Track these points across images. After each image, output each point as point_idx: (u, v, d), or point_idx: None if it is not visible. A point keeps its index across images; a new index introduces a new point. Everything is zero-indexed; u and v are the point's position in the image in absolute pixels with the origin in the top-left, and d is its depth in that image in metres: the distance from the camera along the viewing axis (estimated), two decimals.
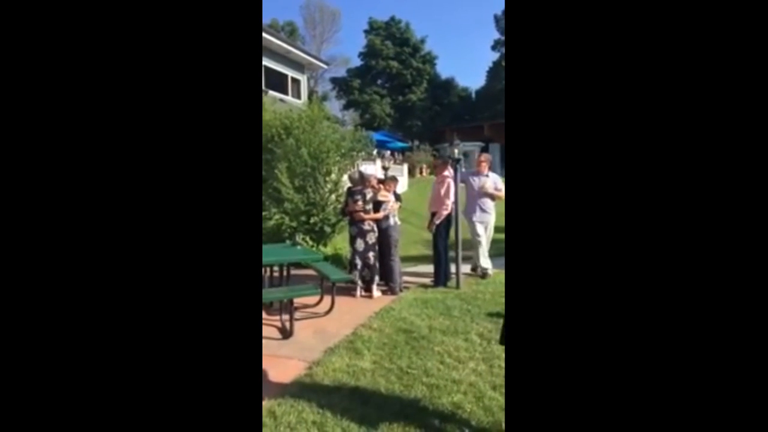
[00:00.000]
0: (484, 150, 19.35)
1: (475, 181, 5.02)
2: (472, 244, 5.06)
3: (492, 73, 28.85)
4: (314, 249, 5.38)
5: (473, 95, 30.85)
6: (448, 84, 30.50)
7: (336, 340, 3.14)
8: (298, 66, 14.28)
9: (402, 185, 10.19)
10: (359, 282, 4.41)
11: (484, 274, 4.99)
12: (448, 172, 4.77)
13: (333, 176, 6.05)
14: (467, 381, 2.47)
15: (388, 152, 16.08)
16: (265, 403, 2.22)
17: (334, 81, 31.33)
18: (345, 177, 5.79)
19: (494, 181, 5.03)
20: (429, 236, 5.05)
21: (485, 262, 5.02)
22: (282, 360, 2.84)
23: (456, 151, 4.70)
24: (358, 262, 4.40)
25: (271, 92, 11.49)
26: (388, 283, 4.53)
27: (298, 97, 13.91)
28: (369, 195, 4.47)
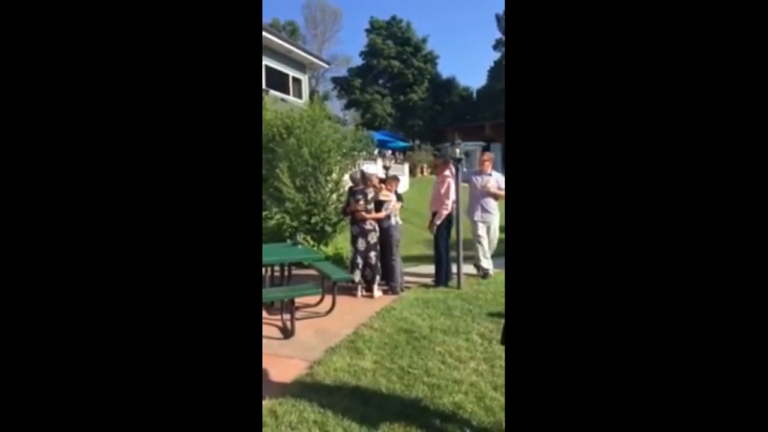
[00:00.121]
0: (486, 149, 19.34)
1: (478, 181, 5.01)
2: (474, 243, 5.06)
3: (493, 72, 28.81)
4: (315, 248, 5.38)
5: (475, 95, 30.83)
6: (450, 83, 30.47)
7: (337, 339, 3.14)
8: (300, 65, 14.28)
9: (403, 185, 10.19)
10: (361, 282, 4.41)
11: (485, 275, 4.98)
12: (449, 171, 4.76)
13: (334, 176, 6.06)
14: (468, 381, 2.47)
15: (389, 152, 16.07)
16: (267, 403, 2.22)
17: (336, 80, 31.34)
18: (346, 176, 5.79)
19: (497, 180, 5.01)
20: (430, 236, 5.05)
21: (486, 262, 5.01)
22: (283, 359, 2.84)
23: (457, 150, 4.70)
24: (360, 261, 4.40)
25: (273, 92, 11.49)
26: (389, 283, 4.53)
27: (300, 96, 13.91)
28: (371, 195, 4.46)
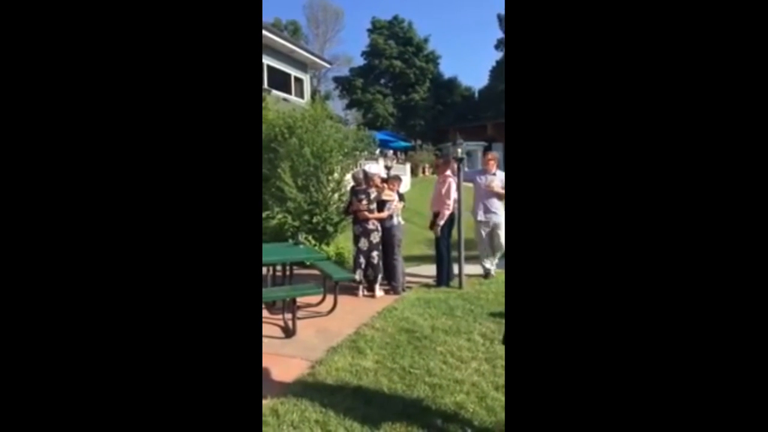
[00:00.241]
0: (488, 149, 19.32)
1: (482, 180, 4.98)
2: (476, 243, 5.06)
3: (495, 72, 28.77)
4: (317, 248, 5.38)
5: (476, 95, 30.81)
6: (451, 83, 30.46)
7: (339, 339, 3.14)
8: (301, 65, 14.29)
9: (405, 185, 10.18)
10: (362, 281, 4.41)
11: (487, 274, 4.98)
12: (450, 171, 4.76)
13: (336, 175, 6.06)
14: (470, 381, 2.47)
15: (391, 152, 16.07)
16: (268, 402, 2.22)
17: (337, 80, 31.35)
18: (348, 176, 5.79)
19: (501, 180, 4.96)
20: (432, 236, 5.05)
21: (487, 262, 5.01)
22: (285, 359, 2.85)
23: (459, 150, 4.69)
24: (362, 261, 4.40)
25: (274, 91, 11.50)
26: (391, 283, 4.53)
27: (301, 96, 13.92)
28: (373, 194, 4.47)
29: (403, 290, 4.49)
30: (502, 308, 3.68)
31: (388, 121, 28.01)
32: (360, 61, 30.41)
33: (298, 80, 14.22)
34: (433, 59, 29.70)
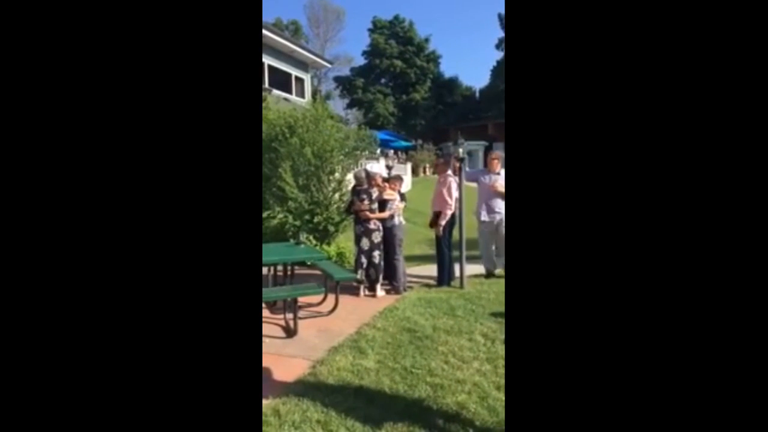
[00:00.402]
0: (488, 149, 19.32)
1: (486, 180, 4.97)
2: (479, 244, 5.05)
3: (496, 72, 28.75)
4: (318, 248, 5.38)
5: (477, 94, 30.80)
6: (452, 83, 30.46)
7: (340, 339, 3.14)
8: (302, 65, 14.29)
9: (406, 184, 10.18)
10: (364, 281, 4.41)
11: (488, 274, 4.98)
12: (451, 171, 4.75)
13: (337, 175, 6.05)
14: (471, 381, 2.46)
15: (392, 151, 16.08)
16: (270, 402, 2.22)
17: (338, 80, 31.36)
18: (349, 176, 5.79)
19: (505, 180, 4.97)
20: (433, 236, 5.04)
21: (488, 262, 5.00)
22: (286, 359, 2.84)
23: (460, 150, 4.69)
24: (364, 261, 4.40)
25: (275, 91, 11.50)
26: (392, 283, 4.53)
27: (302, 96, 13.93)
28: (375, 194, 4.46)
29: (405, 290, 4.48)
30: (503, 308, 3.68)
31: (388, 120, 28.01)
32: (361, 61, 30.47)
33: (299, 80, 14.22)
34: (433, 59, 29.69)
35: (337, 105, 29.99)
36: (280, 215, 5.67)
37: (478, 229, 5.05)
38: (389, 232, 4.51)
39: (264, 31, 10.81)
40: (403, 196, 4.85)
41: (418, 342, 3.06)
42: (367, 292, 4.42)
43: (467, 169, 4.98)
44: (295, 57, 13.65)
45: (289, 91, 13.35)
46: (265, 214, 5.61)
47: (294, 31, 29.85)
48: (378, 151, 11.05)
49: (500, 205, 4.89)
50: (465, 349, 2.92)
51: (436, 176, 5.59)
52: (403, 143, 20.28)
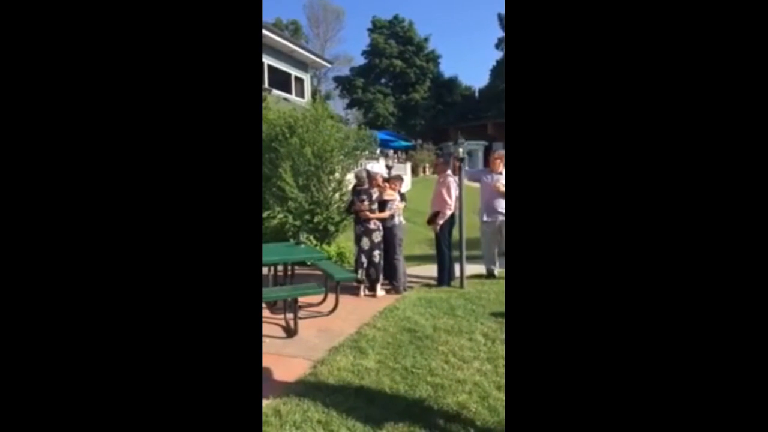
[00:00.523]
0: (488, 149, 19.33)
1: (488, 180, 4.95)
2: (481, 244, 5.04)
3: (496, 71, 28.75)
4: (318, 248, 5.38)
5: (477, 94, 30.80)
6: (452, 83, 30.46)
7: (340, 339, 3.14)
8: (302, 65, 14.29)
9: (405, 184, 10.18)
10: (364, 281, 4.41)
11: (489, 274, 4.98)
12: (450, 171, 4.75)
13: (337, 175, 6.05)
14: (472, 381, 2.46)
15: (392, 151, 16.08)
16: (270, 402, 2.22)
17: (338, 80, 31.36)
18: (349, 176, 5.79)
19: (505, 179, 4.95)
20: (433, 236, 5.04)
21: (488, 262, 5.00)
22: (286, 359, 2.84)
23: (460, 150, 4.68)
24: (364, 260, 4.40)
25: (275, 91, 11.50)
26: (392, 283, 4.53)
27: (302, 96, 13.92)
28: (375, 195, 4.46)
29: (405, 290, 4.48)
30: (503, 308, 3.68)
31: (388, 120, 28.01)
32: (360, 61, 30.48)
33: (299, 80, 14.22)
34: (433, 58, 29.70)
35: (337, 105, 30.03)
36: (280, 215, 5.67)
37: (480, 229, 5.04)
38: (389, 231, 4.51)
39: (264, 31, 10.80)
40: (403, 196, 4.85)
41: (418, 342, 3.06)
42: (367, 292, 4.42)
43: (466, 168, 4.96)
44: (295, 57, 13.65)
45: (289, 91, 13.35)
46: (265, 214, 5.61)
47: (294, 31, 29.85)
48: (378, 150, 11.04)
49: (503, 205, 4.86)
50: (465, 349, 2.92)
51: (435, 176, 5.59)
52: (403, 143, 20.28)
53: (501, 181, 4.84)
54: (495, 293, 4.27)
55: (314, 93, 14.50)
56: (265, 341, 3.06)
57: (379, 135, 12.74)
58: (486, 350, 2.91)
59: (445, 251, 4.71)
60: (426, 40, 29.49)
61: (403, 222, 4.73)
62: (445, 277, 4.70)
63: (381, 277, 4.45)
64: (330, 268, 4.17)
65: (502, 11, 27.90)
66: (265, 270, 4.25)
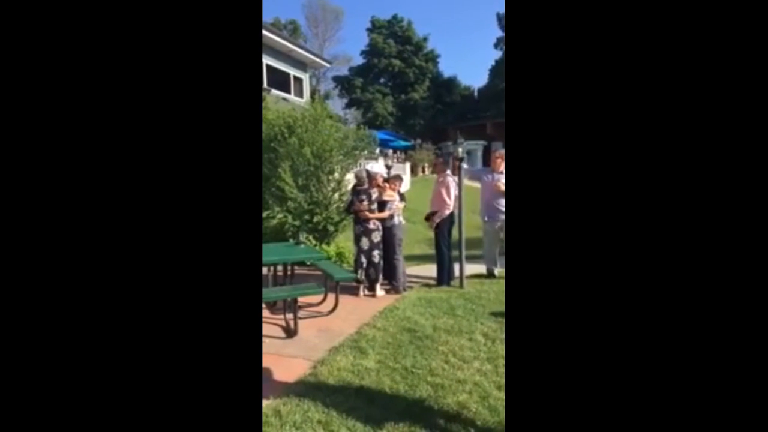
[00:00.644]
0: (487, 148, 19.33)
1: (489, 179, 4.94)
2: (483, 243, 5.04)
3: (495, 71, 28.77)
4: (317, 248, 5.38)
5: (476, 93, 30.81)
6: (451, 82, 30.47)
7: (340, 339, 3.14)
8: (301, 64, 14.28)
9: (405, 184, 10.18)
10: (363, 281, 4.41)
11: (489, 274, 4.98)
12: (449, 170, 4.75)
13: (336, 175, 6.05)
14: (472, 380, 2.46)
15: (391, 151, 16.08)
16: (270, 403, 2.22)
17: (337, 79, 31.35)
18: (349, 176, 5.78)
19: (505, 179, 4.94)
20: (432, 235, 5.04)
21: (489, 262, 5.00)
22: (286, 359, 2.84)
23: (460, 149, 4.68)
24: (363, 260, 4.40)
25: (274, 91, 11.49)
26: (392, 282, 4.53)
27: (301, 95, 13.91)
28: (374, 195, 4.46)
29: (404, 290, 4.49)
30: (503, 308, 3.68)
31: (387, 120, 28.02)
32: (359, 61, 30.48)
33: (298, 80, 14.21)
34: (432, 58, 29.70)
35: (336, 105, 30.02)
36: (280, 215, 5.66)
37: (482, 229, 5.04)
38: (389, 231, 4.51)
39: (263, 31, 10.79)
40: (402, 196, 4.85)
41: (418, 342, 3.06)
42: (366, 292, 4.42)
43: (465, 166, 4.96)
44: (294, 57, 13.63)
45: (288, 91, 13.34)
46: (264, 214, 5.61)
47: (292, 31, 29.83)
48: (377, 150, 11.04)
49: (503, 205, 4.86)
50: (465, 349, 2.92)
51: (434, 176, 5.58)
52: (402, 143, 20.29)
53: (502, 181, 4.83)
54: (495, 293, 4.27)
55: (313, 93, 14.48)
56: (265, 341, 3.06)
57: (378, 135, 12.73)
58: (486, 350, 2.91)
59: (444, 251, 4.71)
60: (425, 39, 29.51)
61: (403, 222, 4.73)
62: (444, 277, 4.70)
63: (380, 277, 4.45)
64: (329, 268, 4.17)
65: (502, 11, 27.98)
66: (264, 270, 4.24)
